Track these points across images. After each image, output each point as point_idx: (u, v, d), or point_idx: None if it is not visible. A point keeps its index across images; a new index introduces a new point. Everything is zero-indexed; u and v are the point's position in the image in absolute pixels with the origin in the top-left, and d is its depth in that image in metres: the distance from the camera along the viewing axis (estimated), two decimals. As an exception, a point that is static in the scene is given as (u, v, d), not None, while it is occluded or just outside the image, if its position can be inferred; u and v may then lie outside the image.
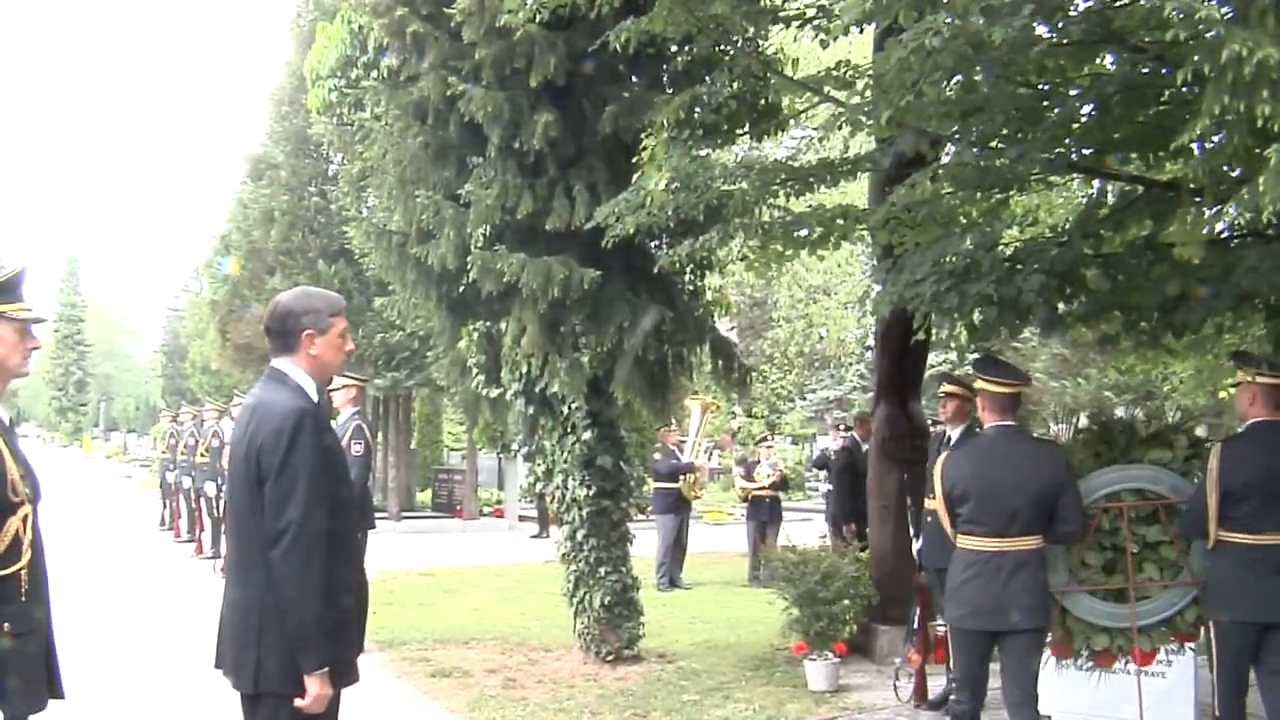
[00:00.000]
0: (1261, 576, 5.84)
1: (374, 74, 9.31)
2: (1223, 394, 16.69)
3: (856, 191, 17.04)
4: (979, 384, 6.26)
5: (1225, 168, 5.96)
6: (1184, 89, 5.97)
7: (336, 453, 4.27)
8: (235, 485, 4.10)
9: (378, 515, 16.08)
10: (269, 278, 22.38)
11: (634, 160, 7.67)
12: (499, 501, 27.00)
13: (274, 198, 23.26)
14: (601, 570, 9.36)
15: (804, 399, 41.72)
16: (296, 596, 3.83)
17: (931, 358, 14.90)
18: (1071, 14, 6.20)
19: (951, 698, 5.79)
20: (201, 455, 18.17)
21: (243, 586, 4.01)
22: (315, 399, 4.13)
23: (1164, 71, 6.20)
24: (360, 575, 4.50)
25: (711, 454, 30.82)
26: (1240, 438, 6.11)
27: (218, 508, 16.80)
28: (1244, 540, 5.89)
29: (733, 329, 35.74)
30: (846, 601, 9.07)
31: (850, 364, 39.27)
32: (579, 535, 9.40)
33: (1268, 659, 6.00)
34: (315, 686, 3.86)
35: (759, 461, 16.39)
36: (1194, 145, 5.68)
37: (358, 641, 4.37)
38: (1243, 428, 6.13)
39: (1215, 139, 5.30)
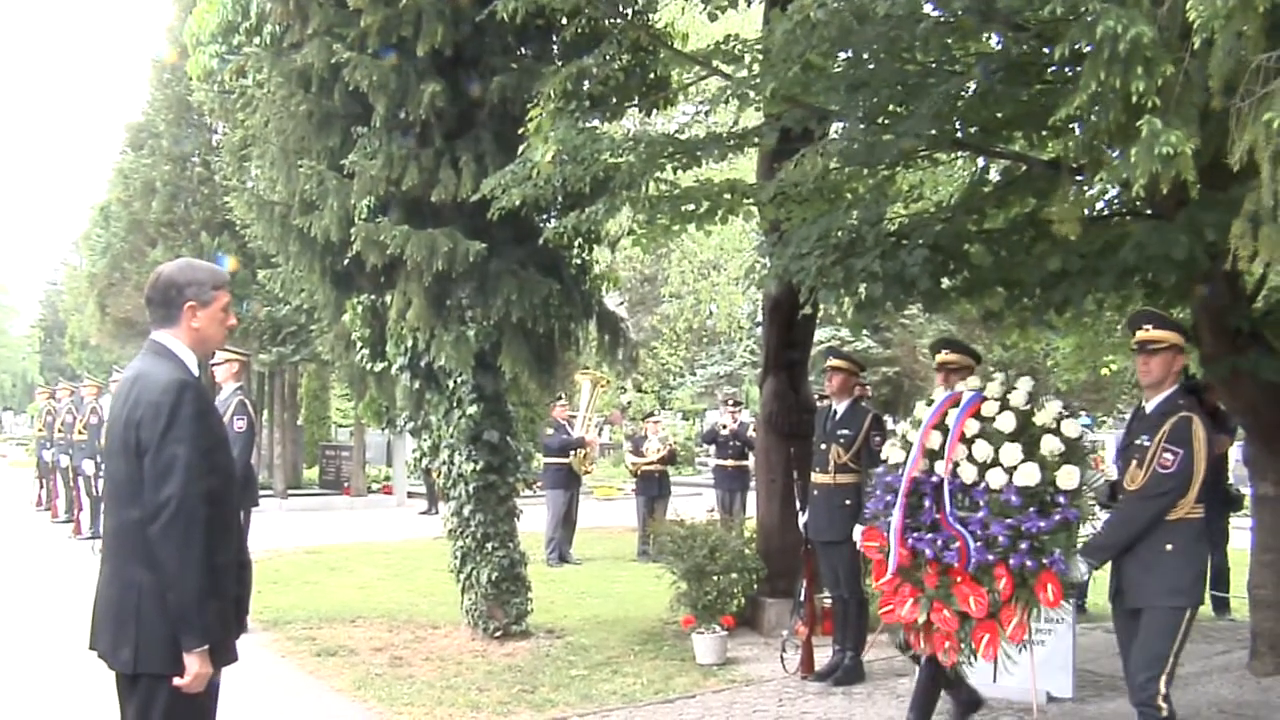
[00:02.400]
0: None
1: (257, 40, 9.08)
2: (1104, 370, 17.11)
3: (746, 167, 17.10)
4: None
5: (1105, 146, 6.05)
6: (1063, 67, 6.06)
7: (218, 427, 4.18)
8: (113, 460, 3.99)
9: (263, 493, 15.85)
10: (150, 250, 21.85)
11: (521, 132, 7.59)
12: (387, 478, 26.73)
13: (155, 168, 22.66)
14: (489, 546, 9.29)
15: (694, 374, 41.99)
16: (176, 573, 3.74)
17: (819, 334, 15.07)
18: (955, -10, 6.26)
19: (1167, 706, 5.35)
20: (79, 433, 17.73)
21: (120, 564, 3.91)
22: (196, 372, 4.05)
23: (1044, 50, 6.28)
24: (242, 553, 4.39)
25: (602, 429, 30.89)
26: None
27: (96, 487, 16.42)
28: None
29: (622, 304, 35.79)
30: (734, 575, 9.12)
31: (740, 340, 39.54)
32: (466, 511, 9.32)
33: None
34: (195, 665, 3.78)
35: (648, 436, 16.43)
36: (1074, 123, 5.76)
37: (239, 620, 4.27)
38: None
39: (1093, 116, 5.36)
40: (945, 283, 7.49)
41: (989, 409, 5.77)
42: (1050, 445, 5.59)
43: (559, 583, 12.94)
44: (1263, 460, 8.16)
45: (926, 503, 5.84)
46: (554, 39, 8.92)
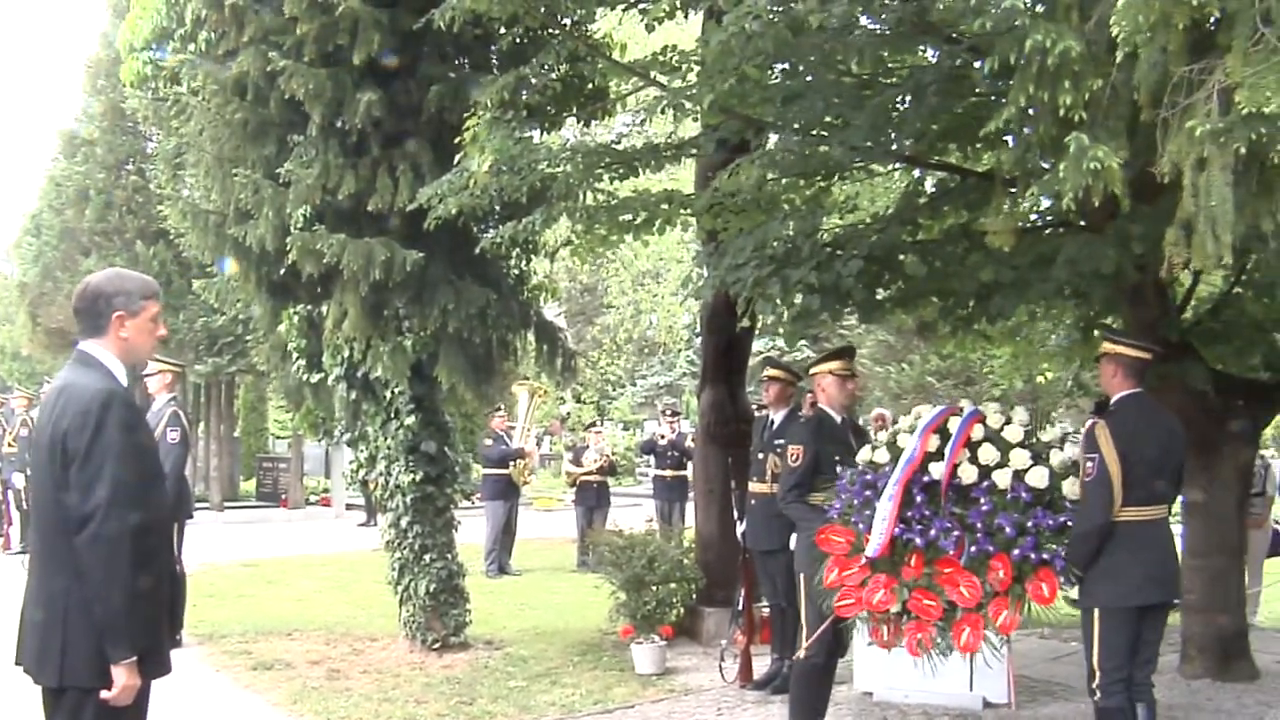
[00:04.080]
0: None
1: (191, 47, 8.99)
2: (1040, 378, 17.31)
3: (684, 178, 17.16)
4: (1115, 349, 5.88)
5: (1037, 158, 6.14)
6: (996, 81, 6.14)
7: (147, 437, 4.14)
8: (39, 471, 3.94)
9: (199, 505, 15.72)
10: (84, 259, 21.52)
11: (458, 141, 7.58)
12: (325, 490, 26.52)
13: (89, 175, 22.32)
14: (426, 557, 9.24)
15: (634, 385, 42.00)
16: (103, 582, 3.69)
17: (758, 345, 15.13)
18: (890, 4, 6.33)
19: (1101, 694, 5.57)
20: (9, 445, 17.43)
21: (47, 576, 3.86)
22: (124, 382, 4.01)
23: (977, 64, 6.36)
24: (173, 564, 4.35)
25: (541, 440, 30.81)
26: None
27: (26, 500, 16.15)
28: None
29: (561, 314, 35.75)
30: (673, 585, 9.13)
31: (680, 350, 39.60)
32: (403, 522, 9.27)
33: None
34: (123, 677, 3.73)
35: (587, 447, 16.42)
36: (1005, 136, 5.85)
37: (171, 631, 4.23)
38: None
39: (1023, 129, 5.44)
40: (880, 293, 7.55)
41: (994, 421, 5.98)
42: (1059, 458, 5.85)
43: (498, 594, 12.90)
44: (1192, 467, 8.28)
45: (919, 498, 5.92)
46: (492, 48, 8.91)
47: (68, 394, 3.89)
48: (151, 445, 4.18)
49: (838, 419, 7.02)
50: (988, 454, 5.87)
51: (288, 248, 8.34)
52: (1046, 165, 6.00)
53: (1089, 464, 5.62)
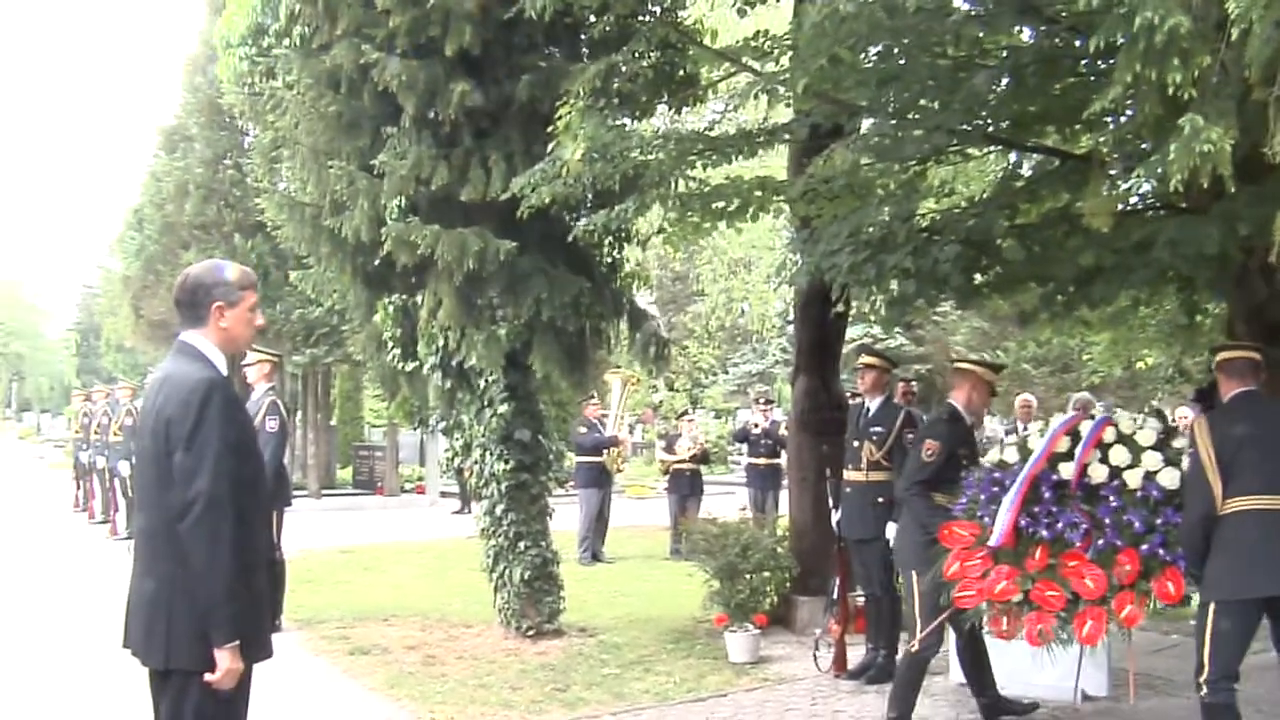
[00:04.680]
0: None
1: (286, 42, 9.10)
2: (1139, 364, 16.97)
3: (776, 164, 17.05)
4: (1219, 356, 6.00)
5: (1137, 140, 6.00)
6: (1097, 60, 6.01)
7: (247, 426, 4.21)
8: (144, 459, 4.03)
9: (297, 493, 15.94)
10: (184, 252, 21.89)
11: (550, 130, 7.58)
12: (420, 478, 26.76)
13: (188, 170, 22.70)
14: (521, 545, 9.28)
15: (726, 373, 41.91)
16: (205, 568, 3.76)
17: (851, 331, 15.01)
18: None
19: (1208, 689, 5.46)
20: (115, 434, 17.86)
21: (152, 561, 3.94)
22: (225, 371, 4.07)
23: (1077, 42, 6.23)
24: (276, 550, 4.41)
25: (634, 428, 30.85)
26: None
27: (131, 488, 16.51)
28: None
29: (653, 302, 35.74)
30: (766, 573, 9.09)
31: (772, 338, 39.43)
32: (498, 510, 9.32)
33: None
34: (225, 661, 3.79)
35: (680, 435, 16.38)
36: (1107, 117, 5.71)
37: (272, 616, 4.29)
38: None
39: (1128, 110, 5.32)
40: (977, 279, 7.44)
41: (1126, 426, 6.06)
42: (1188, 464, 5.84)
43: (591, 581, 12.92)
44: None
45: (1046, 494, 6.02)
46: (582, 37, 8.90)
47: (170, 384, 3.96)
48: (251, 433, 4.24)
49: (969, 421, 7.07)
50: (1119, 455, 5.96)
51: (382, 239, 8.41)
52: (1147, 146, 5.87)
53: (1187, 460, 5.65)
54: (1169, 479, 5.81)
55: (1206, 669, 5.53)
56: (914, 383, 11.95)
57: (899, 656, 7.39)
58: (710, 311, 37.98)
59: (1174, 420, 15.15)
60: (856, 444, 8.37)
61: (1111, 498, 5.88)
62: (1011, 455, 6.34)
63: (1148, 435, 6.00)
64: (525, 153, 8.37)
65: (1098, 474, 5.97)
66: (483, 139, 8.57)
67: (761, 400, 16.79)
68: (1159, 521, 5.74)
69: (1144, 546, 5.71)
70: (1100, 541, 5.78)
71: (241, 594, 3.84)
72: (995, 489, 6.22)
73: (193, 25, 27.40)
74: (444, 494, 25.04)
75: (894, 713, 6.65)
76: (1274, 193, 4.85)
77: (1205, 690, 5.54)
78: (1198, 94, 4.70)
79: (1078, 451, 6.03)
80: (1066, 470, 6.03)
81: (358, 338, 10.35)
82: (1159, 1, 4.54)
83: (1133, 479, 5.88)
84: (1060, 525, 5.90)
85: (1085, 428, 6.11)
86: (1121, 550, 5.74)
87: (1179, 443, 6.02)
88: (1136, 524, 5.75)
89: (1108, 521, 5.82)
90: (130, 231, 25.71)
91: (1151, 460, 5.89)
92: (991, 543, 6.02)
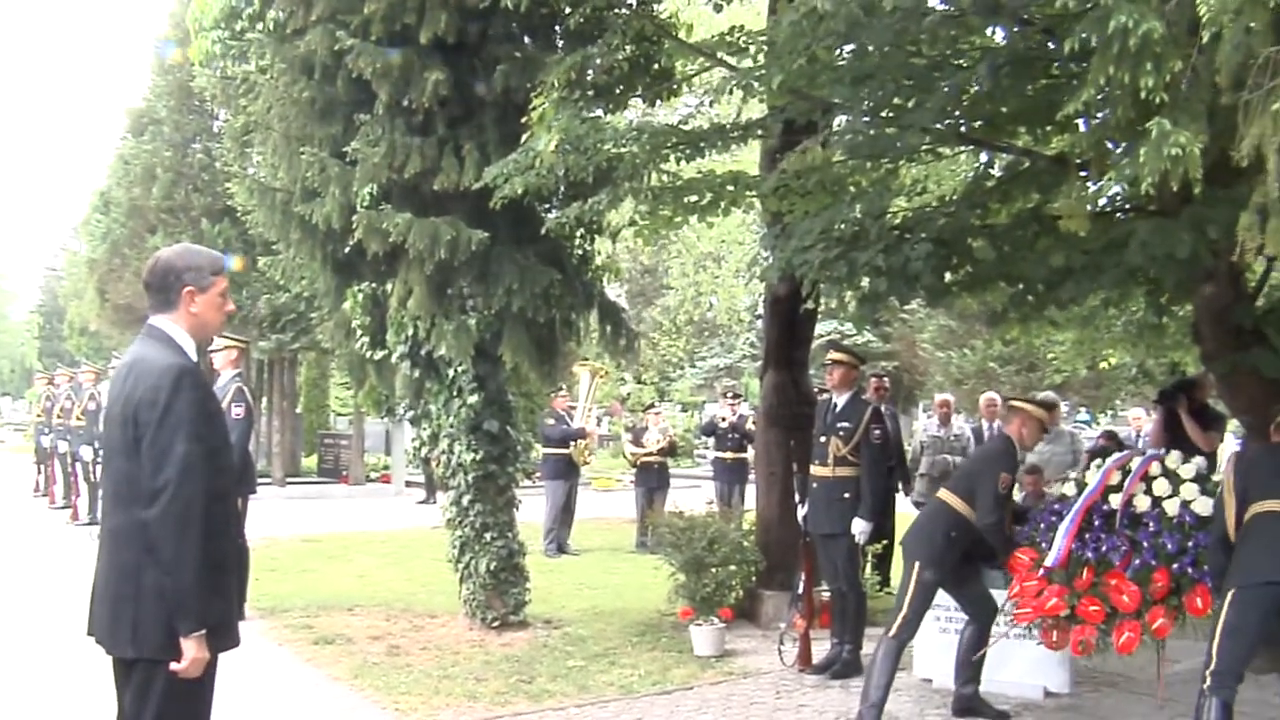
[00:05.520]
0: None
1: (259, 26, 9.05)
2: (1102, 364, 17.09)
3: (748, 159, 17.06)
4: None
5: (1109, 142, 6.04)
6: (1071, 62, 6.04)
7: (216, 413, 4.16)
8: (112, 445, 3.98)
9: (261, 480, 15.84)
10: (150, 236, 21.73)
11: (524, 121, 7.57)
12: (385, 467, 26.70)
13: (156, 153, 22.52)
14: (487, 536, 9.27)
15: (694, 366, 41.95)
16: (173, 557, 3.72)
17: (820, 327, 15.06)
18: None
19: (1212, 681, 5.69)
20: (77, 418, 17.70)
21: (118, 548, 3.90)
22: (194, 357, 4.03)
23: (1051, 45, 6.27)
24: (240, 538, 4.38)
25: (601, 420, 30.85)
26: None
27: (93, 472, 16.40)
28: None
29: (623, 295, 35.75)
30: (732, 567, 9.10)
31: (740, 332, 39.51)
32: (465, 500, 9.31)
33: None
34: (192, 649, 3.76)
35: (648, 428, 16.39)
36: (1080, 119, 5.75)
37: (237, 605, 4.26)
38: None
39: (1100, 112, 5.35)
40: (948, 277, 7.47)
41: (1171, 462, 6.63)
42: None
43: (557, 573, 12.92)
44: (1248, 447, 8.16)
45: (1097, 521, 6.58)
46: (558, 28, 8.89)
47: (139, 368, 3.92)
48: (221, 421, 4.21)
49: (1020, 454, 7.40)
50: (1161, 487, 6.53)
51: (353, 226, 8.39)
52: (1119, 149, 5.91)
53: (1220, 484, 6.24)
54: (1204, 507, 6.32)
55: (1214, 661, 5.73)
56: (885, 379, 11.96)
57: (869, 647, 7.44)
58: (679, 305, 38.05)
59: (1129, 423, 15.30)
60: (824, 439, 8.39)
61: (1151, 524, 6.43)
62: (1070, 489, 6.91)
63: (1189, 469, 6.55)
64: (499, 143, 8.37)
65: (1141, 504, 6.53)
66: (456, 128, 8.56)
67: (729, 394, 16.82)
68: (1190, 544, 6.26)
69: (1175, 565, 6.23)
70: (1138, 561, 6.33)
71: (209, 582, 3.80)
72: (1053, 518, 6.74)
73: (164, 6, 27.17)
74: (409, 484, 24.97)
75: (870, 700, 6.73)
76: (1241, 196, 4.89)
77: (1208, 682, 5.71)
78: (1169, 98, 4.75)
79: (1125, 484, 6.60)
80: (1115, 501, 6.59)
81: (326, 325, 10.31)
82: (1133, 6, 4.58)
83: (1171, 507, 6.43)
84: (1105, 549, 6.45)
85: (1135, 463, 6.71)
86: (1156, 569, 6.28)
87: (1217, 477, 6.54)
88: (1170, 545, 6.29)
89: (1145, 544, 6.37)
90: (96, 214, 25.49)
91: (1189, 491, 6.44)
92: (1048, 563, 6.55)
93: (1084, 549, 6.51)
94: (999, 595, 7.17)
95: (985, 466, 7.12)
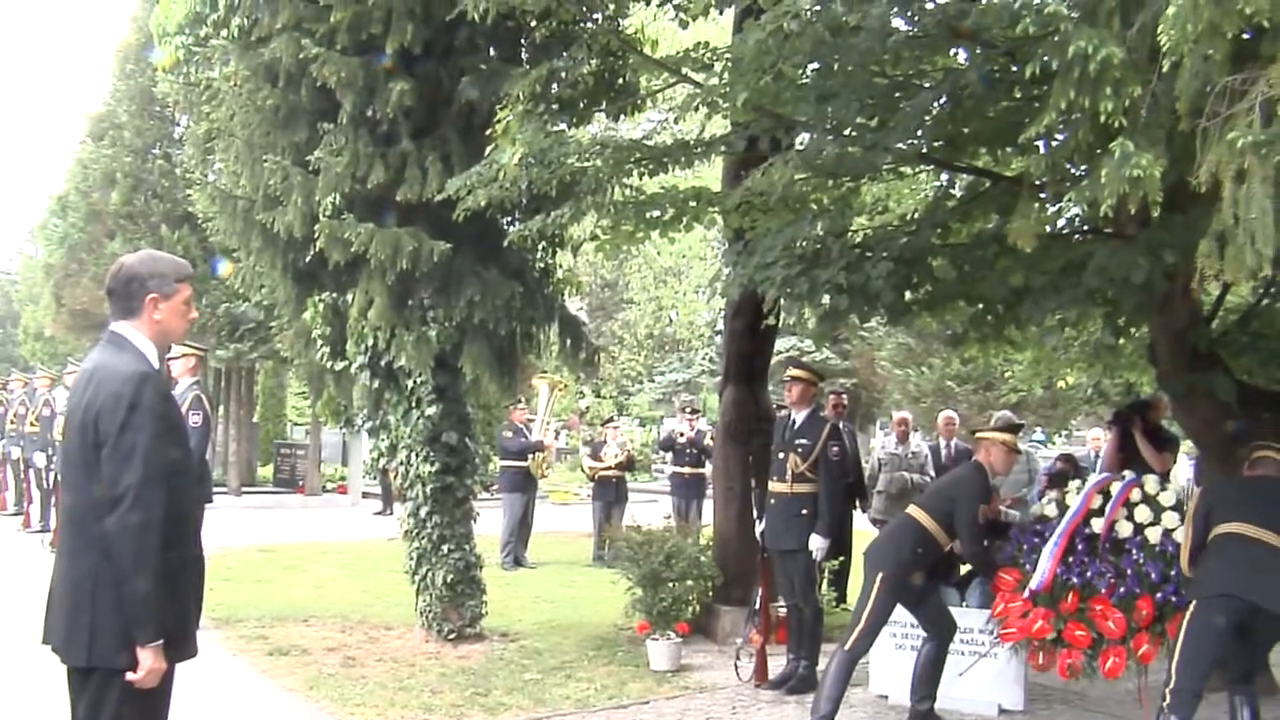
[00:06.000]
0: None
1: (224, 33, 9.01)
2: (1059, 384, 17.23)
3: (711, 176, 17.11)
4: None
5: (1068, 165, 6.11)
6: (1032, 85, 6.11)
7: (177, 421, 4.14)
8: (71, 451, 3.93)
9: (217, 489, 15.74)
10: (109, 242, 21.56)
11: (489, 133, 7.58)
12: (342, 477, 26.56)
13: (116, 159, 22.36)
14: (444, 548, 9.25)
15: (653, 381, 41.98)
16: (132, 565, 3.69)
17: (779, 344, 15.11)
18: (928, 7, 6.31)
19: (1171, 699, 5.96)
20: (31, 425, 17.50)
21: (75, 557, 3.86)
22: (156, 364, 4.01)
23: (1013, 68, 6.33)
24: (198, 548, 4.35)
25: (559, 433, 30.82)
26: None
27: (47, 479, 16.22)
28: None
29: (583, 309, 35.75)
30: (689, 582, 9.11)
31: (700, 348, 39.57)
32: (422, 512, 9.28)
33: None
34: (149, 659, 3.73)
35: (606, 442, 16.39)
36: (1039, 141, 5.81)
37: (195, 615, 4.23)
38: None
39: (1060, 134, 5.42)
40: (909, 296, 7.52)
41: (1150, 488, 6.89)
42: None
43: (514, 586, 12.89)
44: (1215, 477, 8.25)
45: (1080, 546, 6.79)
46: (524, 41, 8.92)
47: (99, 375, 3.89)
48: (181, 430, 4.18)
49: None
50: (1143, 513, 6.76)
51: (315, 235, 8.37)
52: (1078, 171, 5.99)
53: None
54: (1183, 536, 6.46)
55: (1174, 679, 5.95)
56: (844, 396, 12.02)
57: (824, 663, 7.47)
58: (639, 319, 38.08)
59: (1086, 444, 15.44)
60: (782, 455, 8.41)
61: (1134, 550, 6.64)
62: (1051, 510, 7.12)
63: (1169, 497, 6.79)
64: (463, 154, 8.38)
65: (1124, 530, 6.76)
66: (420, 139, 8.56)
67: (687, 409, 16.85)
68: (1173, 572, 6.45)
69: (1159, 594, 6.44)
70: (1122, 589, 6.52)
71: (168, 592, 3.78)
72: (1036, 539, 6.95)
73: (125, 10, 26.94)
74: (366, 495, 24.85)
75: (821, 711, 6.79)
76: (1198, 222, 4.96)
77: (1168, 700, 5.93)
78: (1129, 123, 4.81)
79: (1107, 509, 6.83)
80: (1097, 525, 6.82)
81: (285, 334, 10.26)
82: (1093, 32, 4.64)
83: (1153, 535, 6.65)
84: (1090, 574, 6.63)
85: (1115, 488, 6.93)
86: (1140, 597, 6.47)
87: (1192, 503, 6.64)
88: (1154, 574, 6.49)
89: (1129, 572, 6.56)
90: (54, 218, 25.21)
91: (1170, 519, 6.65)
92: (1033, 586, 6.72)
93: (1069, 573, 6.67)
94: (956, 613, 7.25)
95: (961, 495, 7.16)
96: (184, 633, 3.97)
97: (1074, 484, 7.25)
